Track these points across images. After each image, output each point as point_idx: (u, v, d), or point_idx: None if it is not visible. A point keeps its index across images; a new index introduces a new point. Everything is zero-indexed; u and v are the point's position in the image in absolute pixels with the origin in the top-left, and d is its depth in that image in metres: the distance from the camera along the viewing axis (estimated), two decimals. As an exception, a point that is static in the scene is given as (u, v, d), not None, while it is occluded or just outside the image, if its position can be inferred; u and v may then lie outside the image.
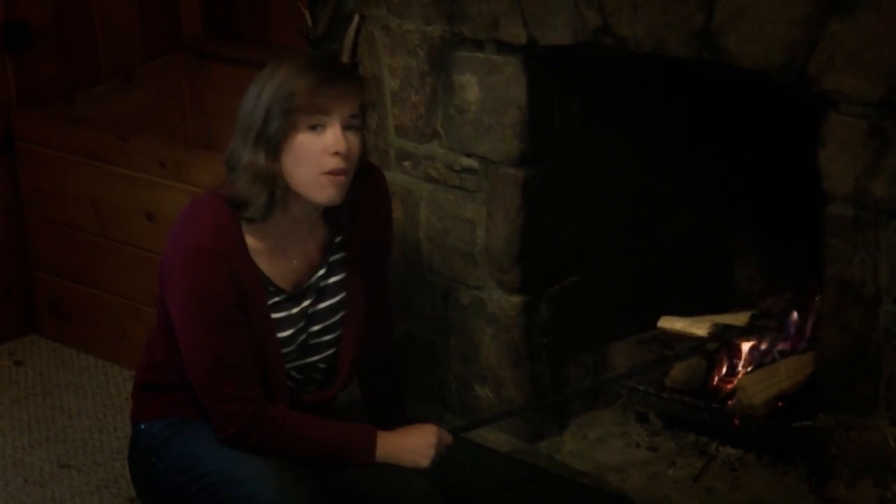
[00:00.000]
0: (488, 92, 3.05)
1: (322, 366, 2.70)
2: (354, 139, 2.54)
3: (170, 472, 2.61)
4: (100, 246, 3.72)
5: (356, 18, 3.23)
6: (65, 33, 3.89)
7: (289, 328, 2.63)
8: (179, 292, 2.53)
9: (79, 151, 3.69)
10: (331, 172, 2.51)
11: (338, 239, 2.69)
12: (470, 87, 3.08)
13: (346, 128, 2.52)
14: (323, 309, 2.68)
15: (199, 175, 3.41)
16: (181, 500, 2.60)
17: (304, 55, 2.58)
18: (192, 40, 4.11)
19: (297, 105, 2.49)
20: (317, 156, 2.51)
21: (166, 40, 4.09)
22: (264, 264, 2.59)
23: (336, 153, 2.50)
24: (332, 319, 2.69)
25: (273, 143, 2.51)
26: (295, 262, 2.63)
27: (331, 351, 2.70)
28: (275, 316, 2.61)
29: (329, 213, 2.65)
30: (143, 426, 2.68)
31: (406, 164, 3.24)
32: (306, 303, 2.65)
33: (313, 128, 2.50)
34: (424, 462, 2.64)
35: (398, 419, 2.94)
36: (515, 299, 3.15)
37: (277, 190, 2.53)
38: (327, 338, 2.69)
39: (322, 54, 2.58)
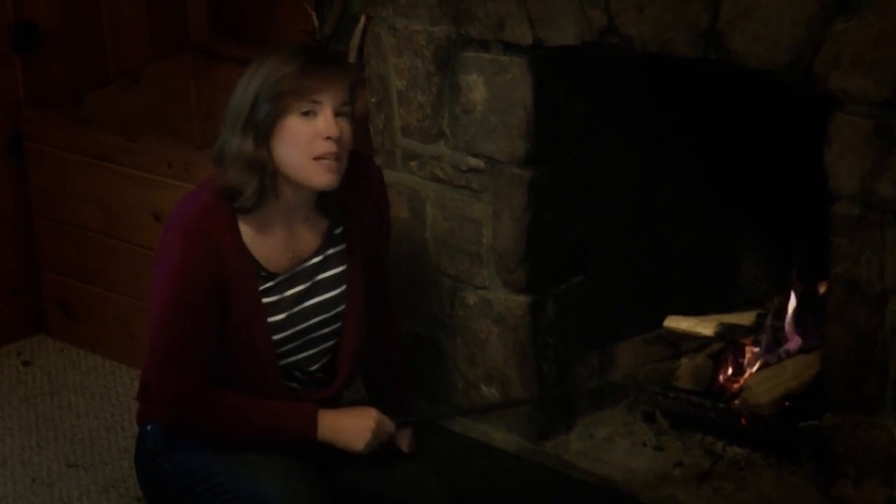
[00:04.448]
0: (494, 92, 3.06)
1: (324, 360, 2.70)
2: (346, 126, 2.55)
3: (176, 472, 2.61)
4: (107, 246, 3.72)
5: (362, 19, 3.24)
6: (73, 34, 3.90)
7: (281, 312, 2.63)
8: (161, 269, 2.55)
9: (86, 152, 3.70)
10: (323, 157, 2.52)
11: (337, 230, 2.69)
12: (476, 87, 3.08)
13: (337, 114, 2.53)
14: (322, 301, 2.67)
15: (205, 175, 3.40)
16: (187, 500, 2.60)
17: (290, 46, 2.59)
18: (199, 41, 4.12)
19: (286, 89, 2.49)
20: (308, 141, 2.52)
21: (173, 41, 4.10)
22: (257, 249, 2.59)
23: (328, 137, 2.51)
24: (332, 312, 2.69)
25: (262, 129, 2.52)
26: (290, 248, 2.63)
27: (330, 343, 2.70)
28: (266, 300, 2.61)
29: (324, 203, 2.65)
30: (149, 427, 2.68)
31: (412, 164, 3.24)
32: (300, 287, 2.64)
33: (305, 114, 2.52)
34: (359, 445, 2.59)
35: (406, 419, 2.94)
36: (521, 299, 3.15)
37: (267, 177, 2.54)
38: (327, 330, 2.68)
39: (309, 45, 2.59)
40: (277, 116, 2.51)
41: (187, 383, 2.53)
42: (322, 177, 2.54)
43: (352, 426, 2.59)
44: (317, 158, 2.52)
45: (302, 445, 2.58)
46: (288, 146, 2.52)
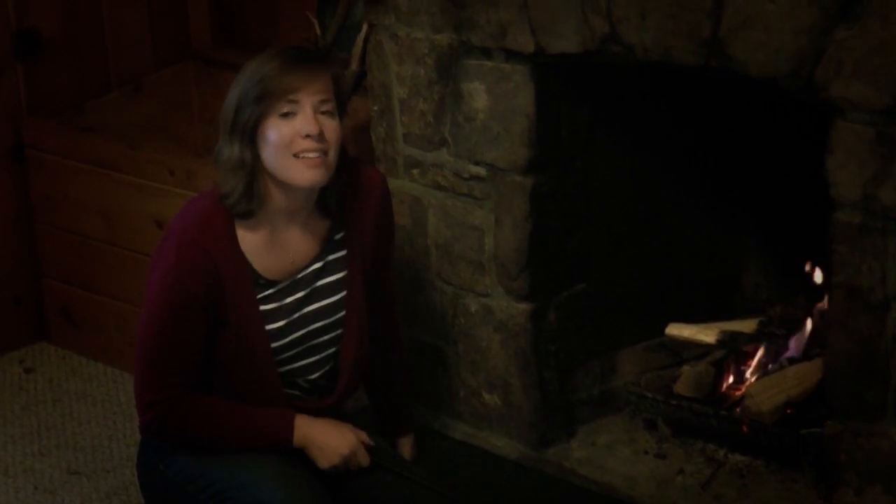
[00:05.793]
0: (496, 100, 3.06)
1: (326, 367, 2.70)
2: (328, 122, 2.55)
3: (178, 479, 2.61)
4: (109, 254, 3.73)
5: (365, 27, 3.24)
6: (75, 42, 3.91)
7: (280, 320, 2.63)
8: (155, 277, 2.56)
9: (89, 160, 3.70)
10: (305, 154, 2.52)
11: (338, 236, 2.69)
12: (478, 95, 3.08)
13: (317, 112, 2.54)
14: (322, 307, 2.68)
15: (207, 183, 3.40)
16: (190, 507, 2.61)
17: (270, 49, 2.61)
18: (201, 49, 4.13)
19: (265, 91, 2.51)
20: (289, 140, 2.53)
21: (175, 49, 4.11)
22: (255, 257, 2.60)
23: (307, 135, 2.52)
24: (333, 318, 2.69)
25: (246, 132, 2.54)
26: (290, 255, 2.63)
27: (332, 350, 2.70)
28: (264, 308, 2.61)
29: (324, 208, 2.65)
30: (151, 434, 2.69)
31: (414, 171, 3.24)
32: (300, 294, 2.65)
33: (284, 115, 2.53)
34: (324, 464, 2.59)
35: (407, 426, 2.94)
36: (523, 306, 3.15)
37: (255, 180, 2.55)
38: (327, 337, 2.69)
39: (292, 45, 2.59)
40: (259, 119, 2.53)
41: (166, 392, 2.55)
42: (304, 173, 2.54)
43: (325, 443, 2.59)
44: (296, 155, 2.53)
45: (279, 450, 2.59)
46: (270, 147, 2.54)
